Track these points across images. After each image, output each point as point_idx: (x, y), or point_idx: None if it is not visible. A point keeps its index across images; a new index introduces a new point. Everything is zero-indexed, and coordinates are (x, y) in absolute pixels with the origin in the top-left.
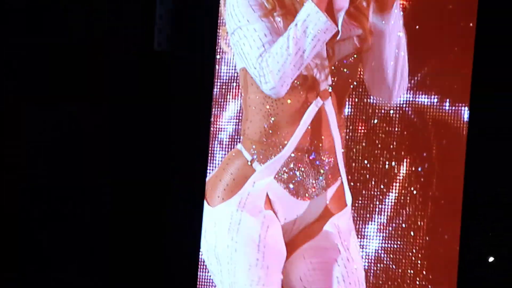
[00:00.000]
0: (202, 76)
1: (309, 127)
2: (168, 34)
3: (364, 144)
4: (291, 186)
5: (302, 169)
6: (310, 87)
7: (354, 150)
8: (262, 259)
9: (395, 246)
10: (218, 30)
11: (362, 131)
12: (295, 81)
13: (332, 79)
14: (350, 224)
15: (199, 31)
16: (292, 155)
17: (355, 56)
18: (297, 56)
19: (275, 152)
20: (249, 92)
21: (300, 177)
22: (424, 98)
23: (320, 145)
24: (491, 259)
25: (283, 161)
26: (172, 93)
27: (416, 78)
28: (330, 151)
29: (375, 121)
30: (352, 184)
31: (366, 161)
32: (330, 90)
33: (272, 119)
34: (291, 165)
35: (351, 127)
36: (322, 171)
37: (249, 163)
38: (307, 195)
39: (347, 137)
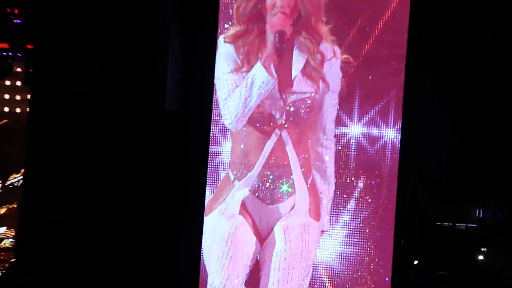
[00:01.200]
0: (201, 128)
1: (272, 151)
2: (176, 97)
3: (336, 167)
4: (261, 195)
5: (268, 183)
6: (270, 122)
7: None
8: (227, 252)
9: (355, 240)
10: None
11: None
12: (258, 118)
13: (289, 116)
14: (301, 222)
15: (202, 95)
16: (265, 172)
17: (308, 102)
18: (247, 101)
19: (248, 171)
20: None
21: (268, 188)
22: (375, 130)
23: (281, 164)
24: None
25: (255, 178)
26: (178, 142)
27: (368, 116)
28: (289, 169)
29: (339, 147)
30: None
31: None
32: (286, 125)
33: (244, 146)
34: (261, 180)
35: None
36: (284, 183)
37: (232, 181)
38: (273, 201)
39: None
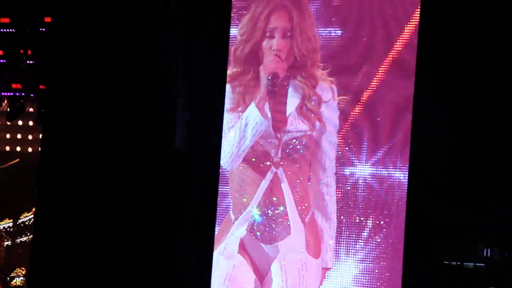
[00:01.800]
0: (210, 166)
1: (269, 188)
2: (185, 137)
3: (340, 205)
4: (258, 234)
5: (265, 220)
6: (266, 159)
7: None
8: None
9: (364, 280)
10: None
11: (339, 195)
12: (253, 156)
13: (284, 154)
14: (299, 259)
15: (209, 135)
16: (261, 209)
17: (304, 140)
18: (241, 142)
19: (244, 209)
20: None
21: (265, 227)
22: (383, 170)
23: (277, 202)
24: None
25: (250, 215)
26: (188, 179)
27: (376, 156)
28: (285, 207)
29: (348, 187)
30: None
31: (342, 217)
32: (281, 162)
33: (240, 185)
34: (257, 217)
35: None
36: (280, 220)
37: (233, 221)
38: (270, 240)
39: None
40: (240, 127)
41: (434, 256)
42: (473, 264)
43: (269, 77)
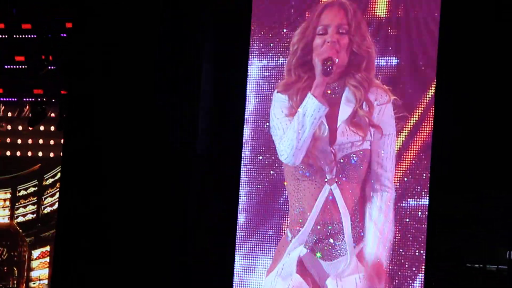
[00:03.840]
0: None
1: (325, 206)
2: (206, 143)
3: (398, 236)
4: (317, 251)
5: (323, 239)
6: (320, 177)
7: (392, 241)
8: None
9: None
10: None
11: (398, 228)
12: (309, 172)
13: (339, 170)
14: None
15: (228, 141)
16: (318, 227)
17: (359, 156)
18: (300, 132)
19: (301, 227)
20: (287, 180)
21: (323, 244)
22: None
23: (334, 219)
24: None
25: (308, 233)
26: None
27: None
28: (341, 224)
29: (407, 219)
30: (390, 266)
31: (401, 250)
32: (336, 179)
33: (299, 204)
34: (316, 236)
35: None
36: (339, 238)
37: (290, 240)
38: (330, 257)
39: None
40: (298, 118)
41: (456, 258)
42: (495, 266)
43: (324, 62)
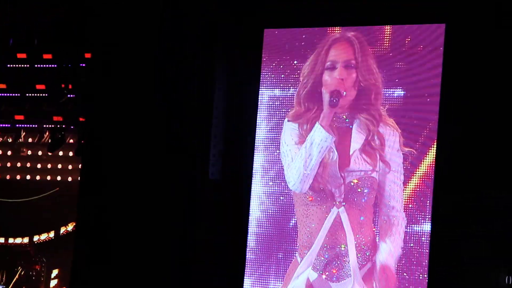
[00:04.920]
0: (242, 198)
1: (333, 228)
2: (219, 168)
3: (403, 261)
4: (326, 273)
5: (330, 259)
6: (329, 200)
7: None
8: None
9: None
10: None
11: (402, 252)
12: (318, 197)
13: (348, 194)
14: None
15: (241, 166)
16: (325, 249)
17: (367, 182)
18: (307, 161)
19: (309, 249)
20: (296, 206)
21: (331, 267)
22: None
23: (341, 241)
24: None
25: (315, 255)
26: (220, 208)
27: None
28: (347, 247)
29: (411, 244)
30: None
31: (405, 273)
32: (343, 203)
33: (307, 227)
34: (322, 257)
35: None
36: (345, 259)
37: (299, 262)
38: (337, 279)
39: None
40: (306, 147)
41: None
42: None
43: (331, 93)
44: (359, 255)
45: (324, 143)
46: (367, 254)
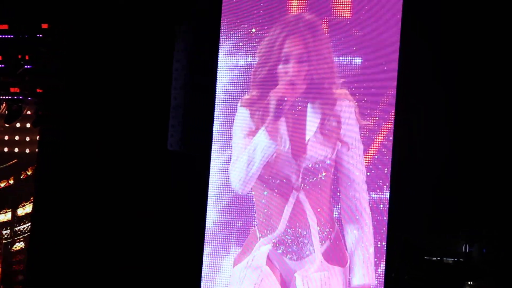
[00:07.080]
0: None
1: (292, 213)
2: (178, 138)
3: None
4: (285, 252)
5: (292, 242)
6: (288, 184)
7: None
8: None
9: None
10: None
11: None
12: (275, 181)
13: (305, 178)
14: (321, 272)
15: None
16: (288, 231)
17: (327, 162)
18: (250, 165)
19: (271, 232)
20: (253, 190)
21: (292, 247)
22: None
23: (301, 224)
24: None
25: (278, 236)
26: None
27: None
28: (308, 229)
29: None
30: None
31: None
32: (302, 186)
33: (266, 210)
34: (285, 239)
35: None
36: (305, 241)
37: (258, 238)
38: (297, 258)
39: None
40: (249, 151)
41: (415, 250)
42: (452, 259)
43: (276, 102)
44: (319, 235)
45: (266, 151)
46: (326, 232)
